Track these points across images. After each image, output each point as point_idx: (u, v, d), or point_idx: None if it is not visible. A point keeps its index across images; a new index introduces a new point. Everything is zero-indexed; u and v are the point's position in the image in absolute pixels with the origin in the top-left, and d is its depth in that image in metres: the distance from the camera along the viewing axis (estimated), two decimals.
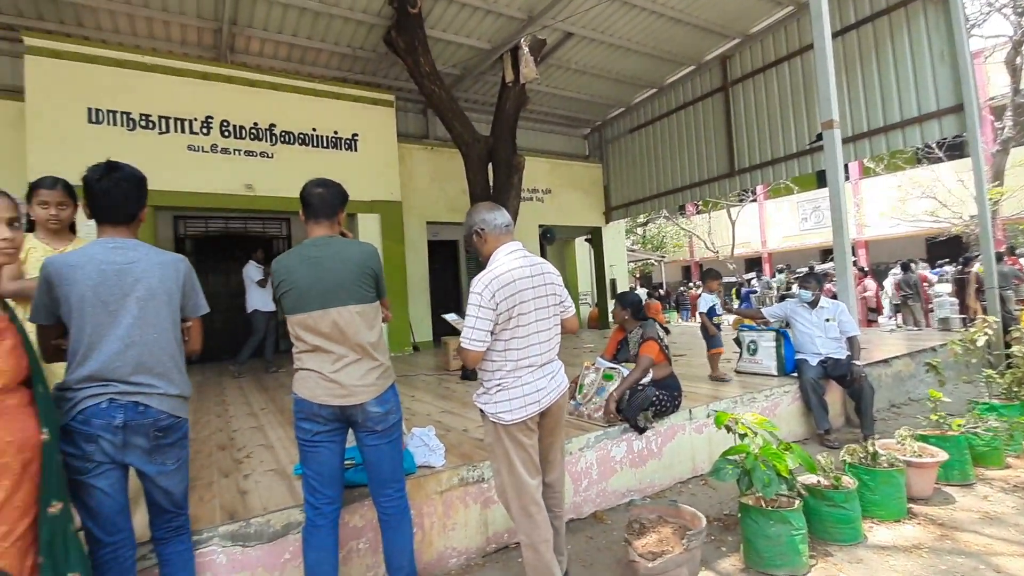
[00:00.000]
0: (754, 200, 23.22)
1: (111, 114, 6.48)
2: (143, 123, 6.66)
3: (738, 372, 4.85)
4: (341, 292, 1.95)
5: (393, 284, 8.21)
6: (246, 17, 7.10)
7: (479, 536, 2.76)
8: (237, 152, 7.23)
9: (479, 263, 2.19)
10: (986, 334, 4.30)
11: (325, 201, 2.04)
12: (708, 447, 3.69)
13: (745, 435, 2.62)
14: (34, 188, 2.20)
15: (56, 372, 1.74)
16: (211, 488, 2.61)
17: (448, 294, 10.88)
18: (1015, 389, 4.01)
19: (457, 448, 3.05)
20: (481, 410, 2.09)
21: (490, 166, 6.95)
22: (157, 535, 1.77)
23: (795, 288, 14.41)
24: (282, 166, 7.42)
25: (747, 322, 5.18)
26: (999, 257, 7.46)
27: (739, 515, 2.59)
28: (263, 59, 8.08)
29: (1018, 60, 12.34)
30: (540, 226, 10.65)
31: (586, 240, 12.80)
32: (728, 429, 2.67)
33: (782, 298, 12.62)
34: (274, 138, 7.51)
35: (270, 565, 2.23)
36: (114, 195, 1.68)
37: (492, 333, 1.98)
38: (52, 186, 2.19)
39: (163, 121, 6.78)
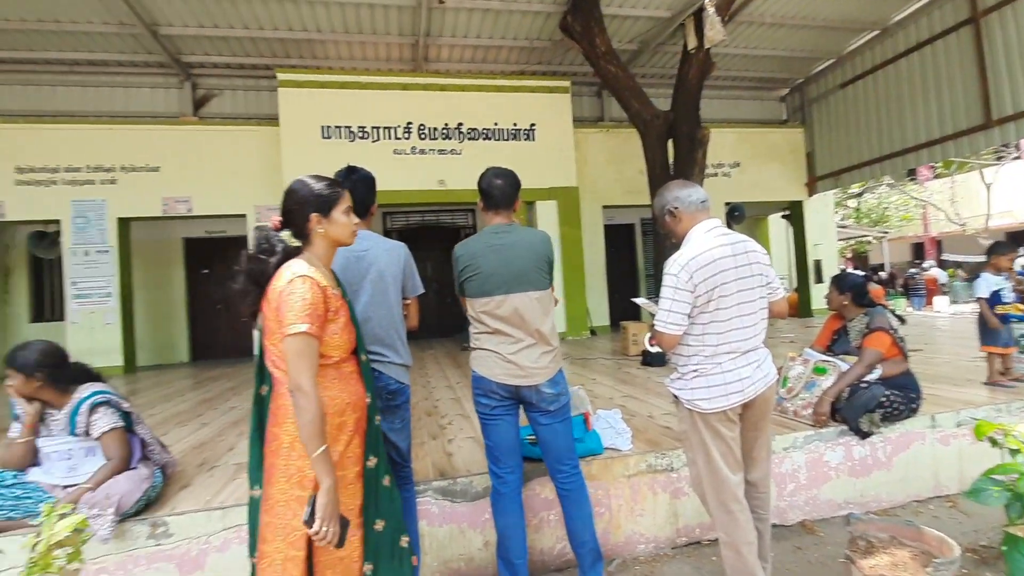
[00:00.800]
0: (1019, 157, 18.04)
1: (337, 129, 7.78)
2: (360, 134, 7.85)
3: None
4: (522, 279, 2.02)
5: (571, 269, 8.36)
6: (437, 27, 7.80)
7: (668, 526, 2.67)
8: (432, 152, 8.09)
9: (657, 246, 2.09)
10: None
11: (505, 192, 2.11)
12: (958, 462, 3.02)
13: (1019, 451, 2.09)
14: None
15: None
16: (423, 447, 2.98)
17: (624, 278, 10.69)
18: None
19: (643, 434, 2.98)
20: (675, 396, 1.99)
21: (670, 143, 6.59)
22: None
23: None
24: (469, 161, 8.06)
25: (1014, 310, 4.06)
26: None
27: (1003, 548, 2.07)
28: (451, 64, 8.80)
29: None
30: (726, 204, 9.77)
31: (783, 216, 11.37)
32: (993, 442, 2.17)
33: None
34: (462, 136, 8.20)
35: (473, 522, 2.47)
36: (354, 193, 1.98)
37: (689, 316, 1.87)
38: None
39: (375, 131, 7.91)
